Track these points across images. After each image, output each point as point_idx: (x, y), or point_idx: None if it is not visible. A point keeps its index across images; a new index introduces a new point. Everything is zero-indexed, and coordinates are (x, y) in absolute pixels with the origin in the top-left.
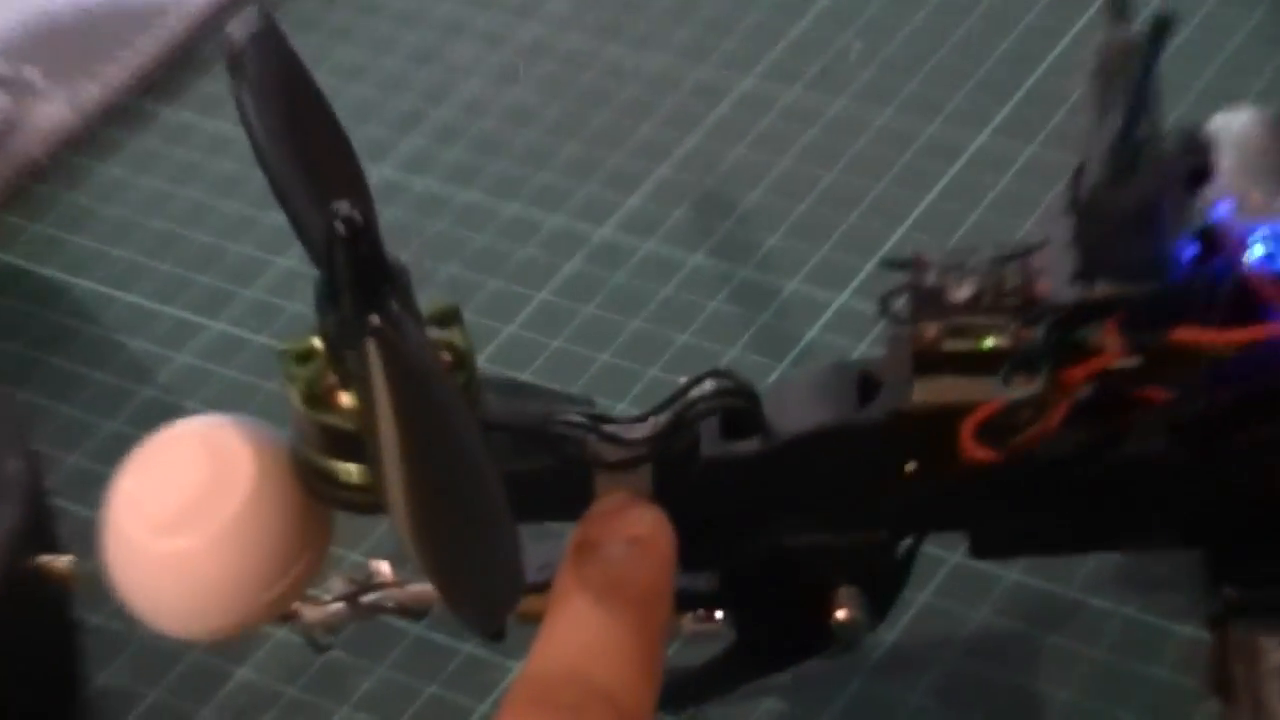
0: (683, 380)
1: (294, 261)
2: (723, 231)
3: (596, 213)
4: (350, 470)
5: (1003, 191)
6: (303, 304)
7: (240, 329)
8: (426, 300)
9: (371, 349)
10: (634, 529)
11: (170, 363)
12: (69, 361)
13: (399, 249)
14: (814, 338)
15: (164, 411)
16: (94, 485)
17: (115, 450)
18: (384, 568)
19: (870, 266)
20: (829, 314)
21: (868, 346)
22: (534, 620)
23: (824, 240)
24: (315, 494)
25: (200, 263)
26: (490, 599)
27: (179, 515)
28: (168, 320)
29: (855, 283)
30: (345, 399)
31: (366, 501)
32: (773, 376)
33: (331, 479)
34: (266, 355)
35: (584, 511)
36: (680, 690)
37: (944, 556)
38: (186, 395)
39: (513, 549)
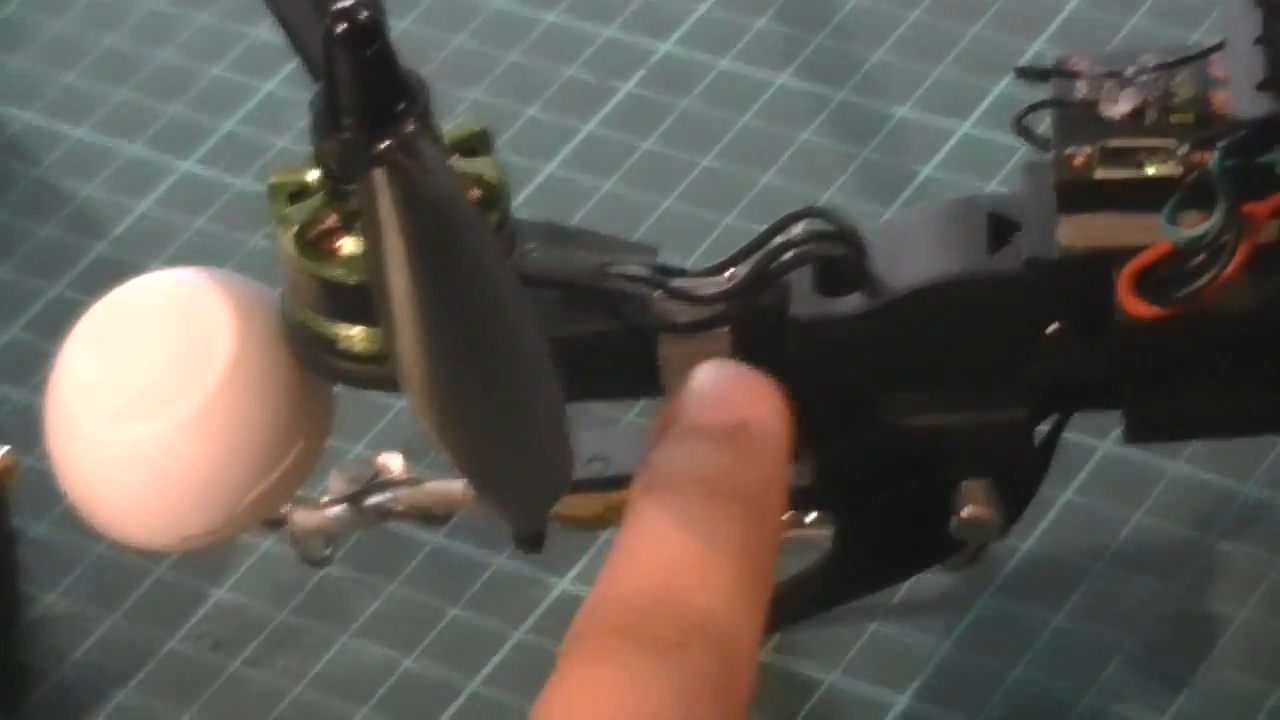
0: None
1: (281, 86)
2: (815, 45)
3: (658, 22)
4: (355, 334)
5: None
6: (292, 140)
7: (213, 169)
8: (449, 127)
9: (381, 179)
10: (740, 409)
11: (127, 212)
12: (2, 212)
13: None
14: (930, 175)
15: (120, 273)
16: (32, 363)
17: (60, 320)
18: (394, 462)
19: (999, 88)
20: (949, 146)
21: (998, 186)
22: (581, 526)
23: (941, 56)
24: (311, 365)
25: (164, 89)
26: (532, 490)
27: (142, 395)
28: (124, 160)
29: (981, 108)
30: (349, 244)
31: (374, 373)
32: (879, 223)
33: (331, 346)
34: (247, 201)
35: (645, 388)
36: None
37: (1093, 444)
38: (148, 252)
39: (560, 428)
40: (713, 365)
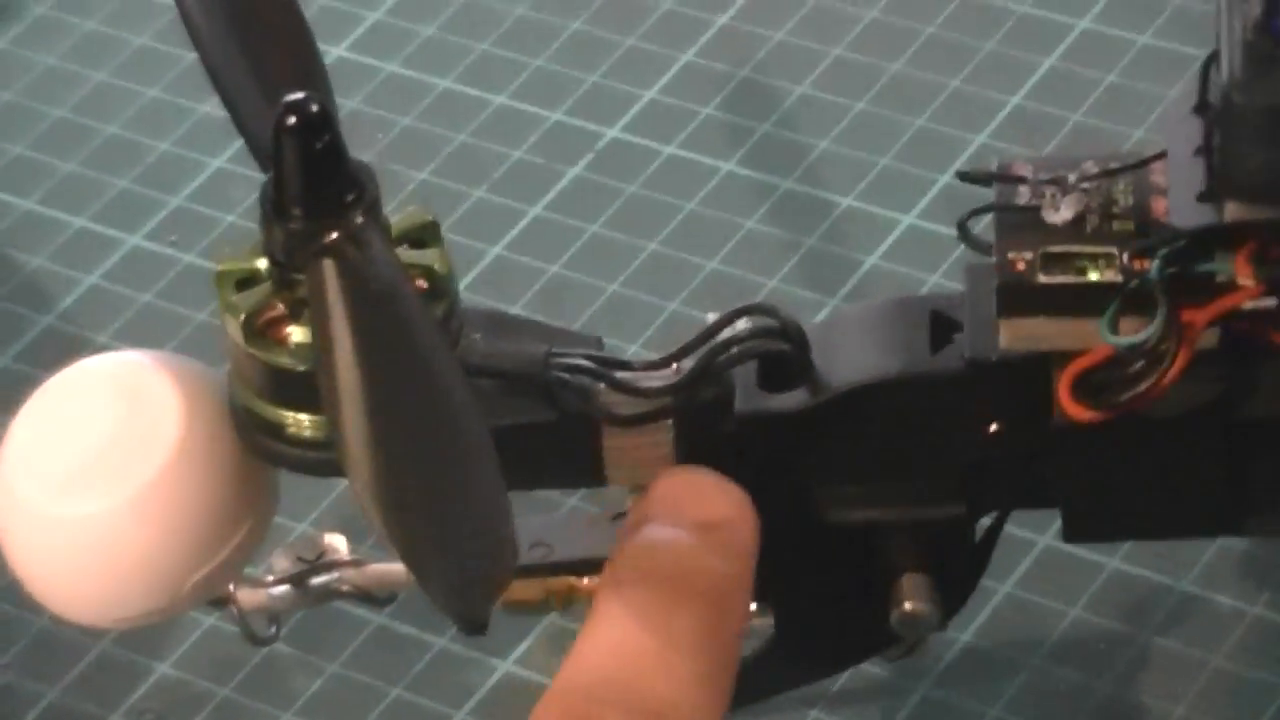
0: (712, 316)
1: (230, 162)
2: (761, 133)
3: (605, 108)
4: (300, 421)
5: (1110, 88)
6: (240, 216)
7: (161, 245)
8: (396, 214)
9: (329, 270)
10: (709, 510)
11: (74, 285)
12: None
13: (359, 150)
14: (873, 266)
15: (65, 345)
16: None
17: (6, 391)
18: (338, 543)
19: (943, 180)
20: (892, 238)
21: (940, 279)
22: (524, 610)
23: (886, 147)
24: (256, 450)
25: (112, 162)
26: (475, 581)
27: (87, 473)
28: (71, 232)
29: (924, 200)
30: (295, 333)
31: (319, 459)
32: (822, 314)
33: (277, 431)
34: (196, 278)
35: (586, 478)
36: None
37: (1031, 539)
38: (94, 326)
39: (503, 518)
40: (686, 469)
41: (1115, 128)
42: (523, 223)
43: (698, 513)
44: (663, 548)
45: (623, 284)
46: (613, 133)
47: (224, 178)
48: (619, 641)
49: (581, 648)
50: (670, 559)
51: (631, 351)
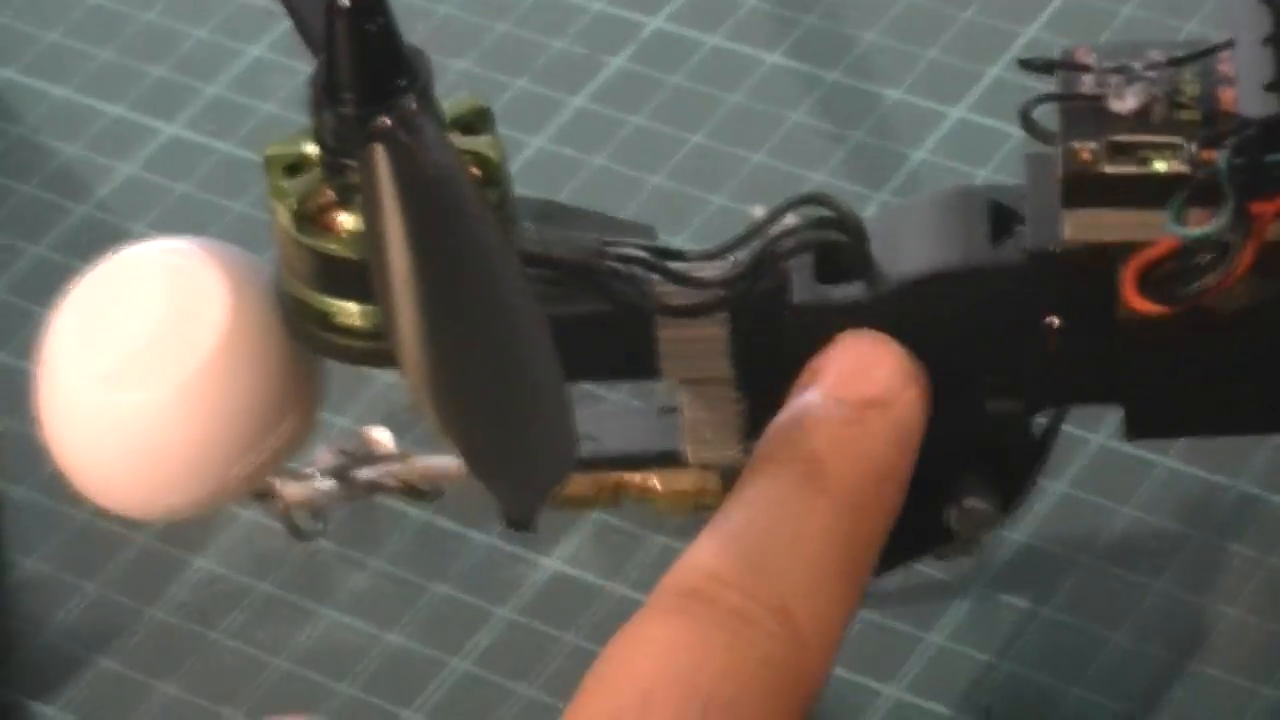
0: (759, 209)
1: (267, 50)
2: (807, 25)
3: None
4: (350, 310)
5: None
6: (278, 105)
7: (199, 133)
8: (448, 103)
9: (380, 155)
10: (875, 386)
11: (111, 174)
12: None
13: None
14: (923, 160)
15: (103, 234)
16: (13, 324)
17: (41, 281)
18: (384, 437)
19: (993, 73)
20: (942, 130)
21: (990, 174)
22: (571, 505)
23: (935, 37)
24: (304, 339)
25: (149, 49)
26: (533, 473)
27: (132, 361)
28: (107, 120)
29: (976, 91)
30: (345, 220)
31: (369, 349)
32: (870, 209)
33: (325, 321)
34: (234, 166)
35: (639, 370)
36: None
37: (1087, 437)
38: (131, 215)
39: (562, 410)
40: (859, 335)
41: (1169, 21)
42: (565, 114)
43: (863, 387)
44: (816, 424)
45: (667, 177)
46: (656, 22)
47: (262, 66)
48: (751, 522)
49: (716, 524)
50: (823, 438)
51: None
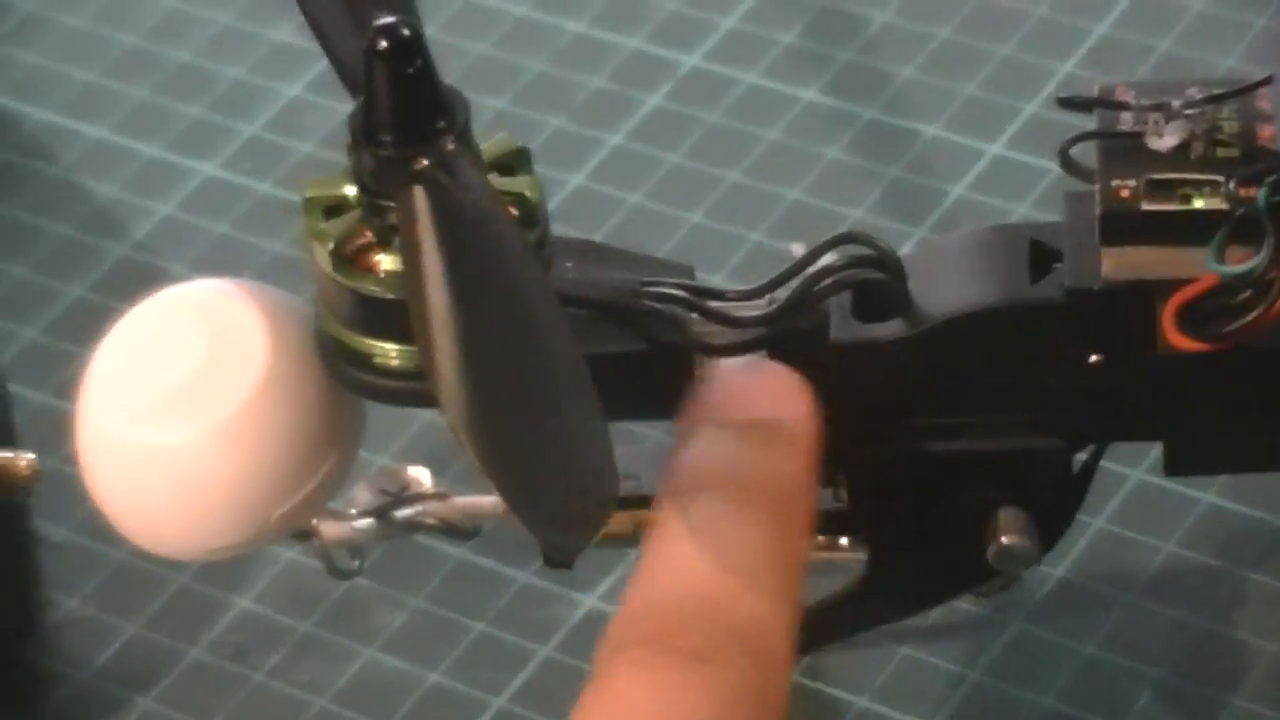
0: (798, 247)
1: (304, 90)
2: (844, 61)
3: (685, 35)
4: (388, 350)
5: (1198, 16)
6: (315, 145)
7: (236, 173)
8: (482, 141)
9: (420, 197)
10: (771, 406)
11: (148, 214)
12: (19, 210)
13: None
14: (960, 197)
15: (140, 275)
16: (52, 365)
17: (79, 322)
18: (422, 476)
19: (1029, 110)
20: (977, 168)
21: (1028, 210)
22: (611, 543)
23: (971, 75)
24: (343, 380)
25: (185, 88)
26: (574, 512)
27: (172, 402)
28: (144, 161)
29: (1013, 128)
30: (383, 260)
31: (407, 390)
32: (907, 246)
33: (364, 361)
34: (269, 206)
35: (679, 409)
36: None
37: (1125, 473)
38: (168, 255)
39: (602, 449)
40: (743, 361)
41: (1204, 57)
42: (602, 153)
43: (756, 410)
44: (720, 453)
45: (704, 215)
46: (693, 60)
47: (299, 106)
48: (684, 559)
49: (649, 566)
50: (729, 466)
51: (712, 284)
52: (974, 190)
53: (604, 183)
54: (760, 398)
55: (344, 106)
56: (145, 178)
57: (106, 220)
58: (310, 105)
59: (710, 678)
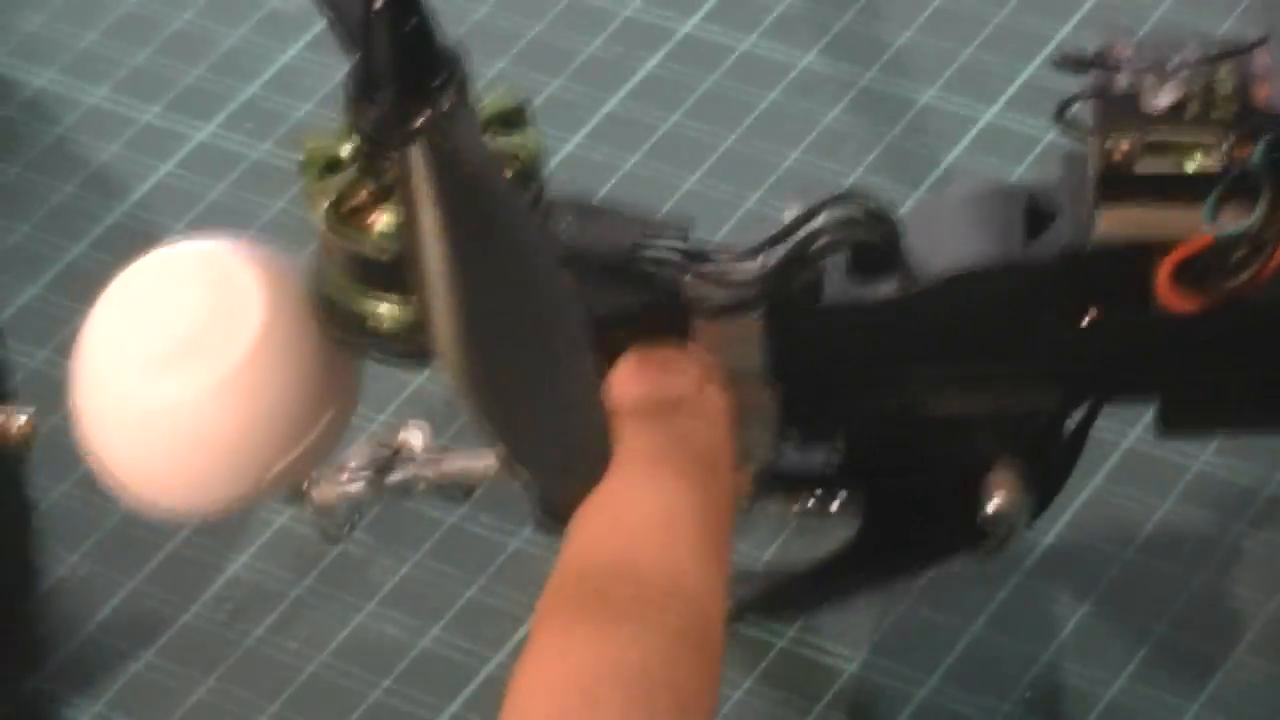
0: (793, 208)
1: (303, 52)
2: (842, 25)
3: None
4: (384, 308)
5: None
6: (313, 105)
7: (234, 135)
8: (486, 100)
9: (418, 153)
10: (678, 383)
11: (147, 176)
12: (19, 171)
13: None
14: (956, 160)
15: (139, 235)
16: (52, 325)
17: (78, 282)
18: (416, 437)
19: (1026, 74)
20: (975, 130)
21: (1025, 173)
22: None
23: (969, 39)
24: (339, 339)
25: (185, 52)
26: (572, 466)
27: (171, 358)
28: (143, 123)
29: (1010, 91)
30: (382, 218)
31: (404, 348)
32: (903, 210)
33: (361, 320)
34: (267, 168)
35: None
36: (786, 594)
37: (1119, 433)
38: (167, 216)
39: (599, 404)
40: (635, 355)
41: (1201, 21)
42: (600, 115)
43: (668, 387)
44: (644, 426)
45: (701, 178)
46: (690, 24)
47: (298, 68)
48: (617, 516)
49: (580, 531)
50: (653, 436)
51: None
52: (971, 154)
53: (602, 145)
54: (664, 381)
55: (342, 67)
56: (144, 139)
57: (106, 181)
58: (308, 67)
59: (649, 622)
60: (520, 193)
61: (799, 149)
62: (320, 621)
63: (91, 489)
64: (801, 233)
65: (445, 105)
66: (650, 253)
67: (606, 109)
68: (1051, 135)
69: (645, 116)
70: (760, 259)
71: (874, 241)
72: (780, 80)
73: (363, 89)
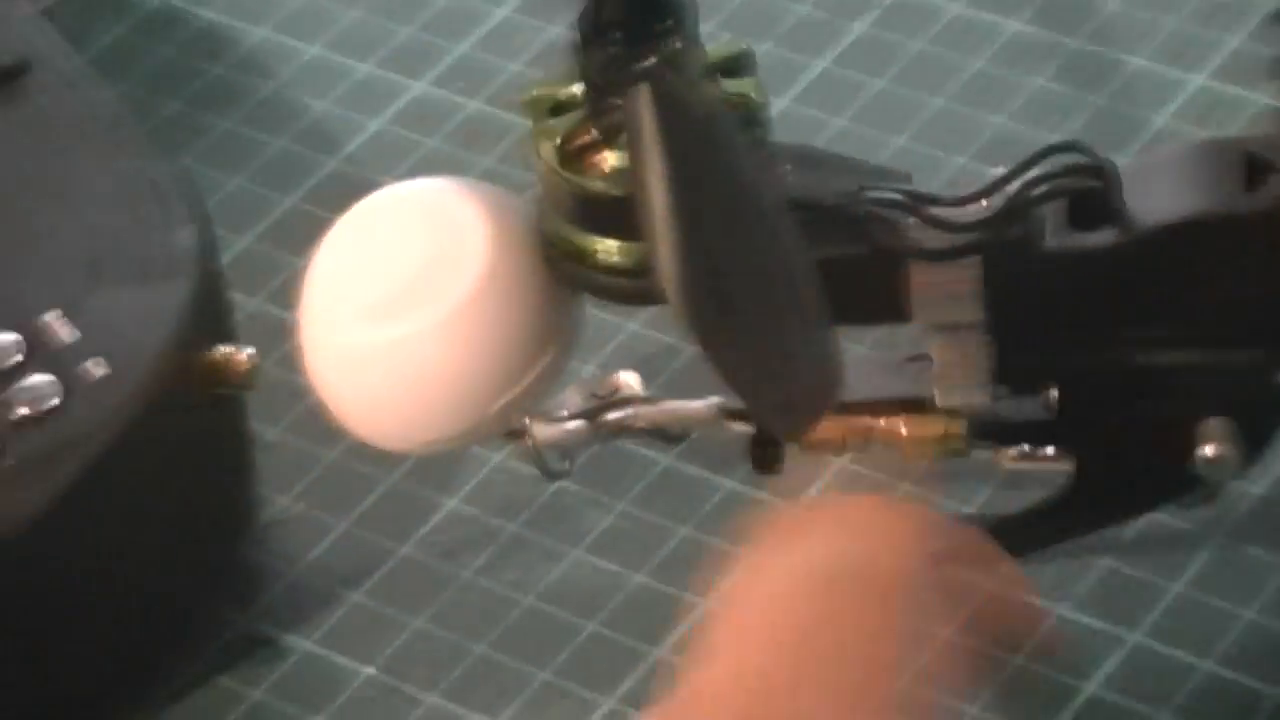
0: (999, 170)
1: (514, 10)
2: None
3: None
4: (610, 247)
5: None
6: (524, 63)
7: (447, 90)
8: (710, 46)
9: (645, 95)
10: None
11: (361, 129)
12: (238, 124)
13: None
14: (1164, 125)
15: (353, 186)
16: (268, 272)
17: (294, 231)
18: (632, 380)
19: (1235, 42)
20: (1183, 96)
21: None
22: (821, 450)
23: (1179, 6)
24: (564, 277)
25: (398, 8)
26: (797, 401)
27: (395, 298)
28: (358, 77)
29: (1217, 59)
30: (608, 158)
31: (628, 287)
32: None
33: (586, 258)
34: (479, 123)
35: (891, 313)
36: (995, 541)
37: None
38: (380, 168)
39: (826, 335)
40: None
41: None
42: (809, 77)
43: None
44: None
45: (909, 139)
46: None
47: (510, 26)
48: (745, 642)
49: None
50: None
51: None
52: (1177, 120)
53: (810, 107)
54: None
55: (555, 27)
56: (358, 94)
57: (320, 134)
58: (520, 25)
59: None
60: (744, 136)
61: (1005, 113)
62: (530, 562)
63: (307, 429)
64: (1021, 180)
65: (673, 48)
66: (875, 193)
67: (815, 71)
68: (1260, 103)
69: (854, 78)
70: (981, 205)
71: (1094, 190)
72: (988, 46)
73: (592, 30)
